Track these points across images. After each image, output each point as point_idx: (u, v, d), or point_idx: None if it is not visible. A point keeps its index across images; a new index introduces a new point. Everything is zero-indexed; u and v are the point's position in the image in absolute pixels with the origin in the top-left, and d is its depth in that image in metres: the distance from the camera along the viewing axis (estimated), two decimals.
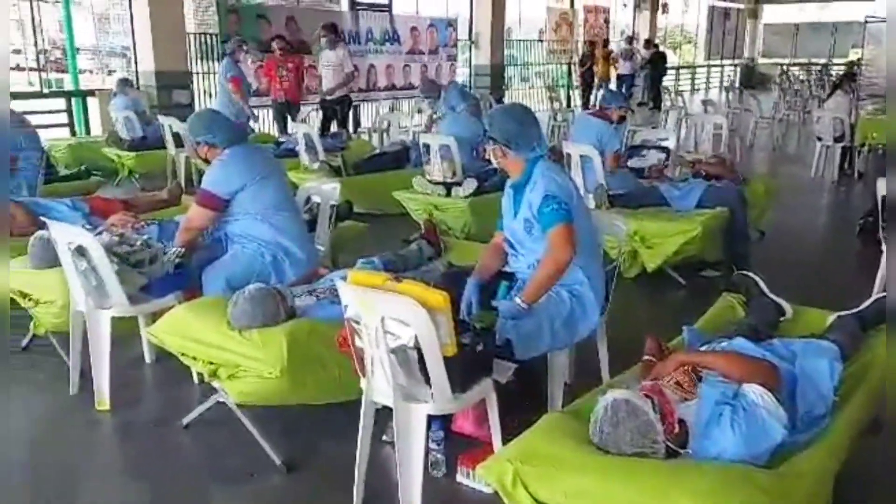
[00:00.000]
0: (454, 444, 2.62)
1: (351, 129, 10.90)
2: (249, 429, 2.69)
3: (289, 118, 8.64)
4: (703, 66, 23.35)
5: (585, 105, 15.24)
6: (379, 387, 2.29)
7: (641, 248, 4.58)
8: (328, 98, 8.63)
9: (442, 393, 2.20)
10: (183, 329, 2.72)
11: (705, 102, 11.43)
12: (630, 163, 5.66)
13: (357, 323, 2.25)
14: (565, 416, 2.14)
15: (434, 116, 7.34)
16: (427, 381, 2.19)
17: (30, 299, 3.31)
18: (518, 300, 2.59)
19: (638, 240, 4.53)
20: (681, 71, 21.37)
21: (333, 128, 8.85)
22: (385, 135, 9.07)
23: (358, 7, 11.75)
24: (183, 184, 6.91)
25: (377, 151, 7.48)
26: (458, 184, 5.54)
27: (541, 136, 2.82)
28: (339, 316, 2.41)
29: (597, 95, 15.16)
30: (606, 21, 18.21)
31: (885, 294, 2.97)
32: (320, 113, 9.01)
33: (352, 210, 4.74)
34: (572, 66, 17.30)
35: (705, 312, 3.05)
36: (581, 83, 15.64)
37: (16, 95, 5.31)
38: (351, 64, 8.67)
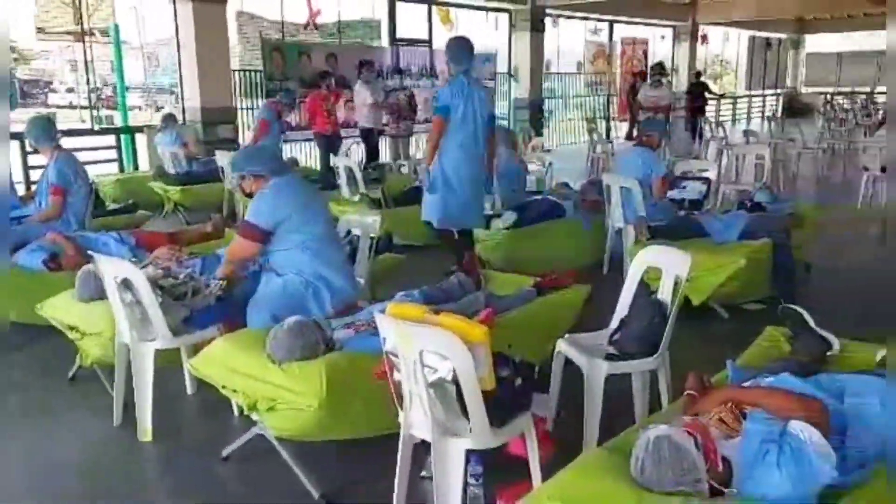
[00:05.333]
0: (493, 479, 2.59)
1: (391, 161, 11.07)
2: (288, 461, 2.70)
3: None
4: (743, 97, 23.12)
5: (630, 136, 15.25)
6: (417, 421, 2.28)
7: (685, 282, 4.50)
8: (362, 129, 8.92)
9: (480, 427, 2.19)
10: (224, 361, 2.76)
11: (747, 133, 11.29)
12: (670, 194, 5.62)
13: (395, 356, 2.26)
14: (606, 453, 2.10)
15: None
16: (465, 415, 2.18)
17: (77, 331, 3.40)
18: None
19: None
20: (721, 101, 21.19)
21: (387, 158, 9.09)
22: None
23: (398, 43, 11.98)
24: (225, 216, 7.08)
25: (417, 184, 7.54)
26: (498, 216, 5.56)
27: None
28: (378, 348, 2.43)
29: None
30: (644, 53, 18.22)
31: None
32: (362, 146, 9.19)
33: (391, 242, 4.78)
34: (611, 98, 17.32)
35: (749, 347, 2.99)
36: (628, 114, 15.67)
37: (68, 133, 5.61)
38: (380, 97, 8.90)
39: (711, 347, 4.11)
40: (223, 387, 2.74)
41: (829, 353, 2.83)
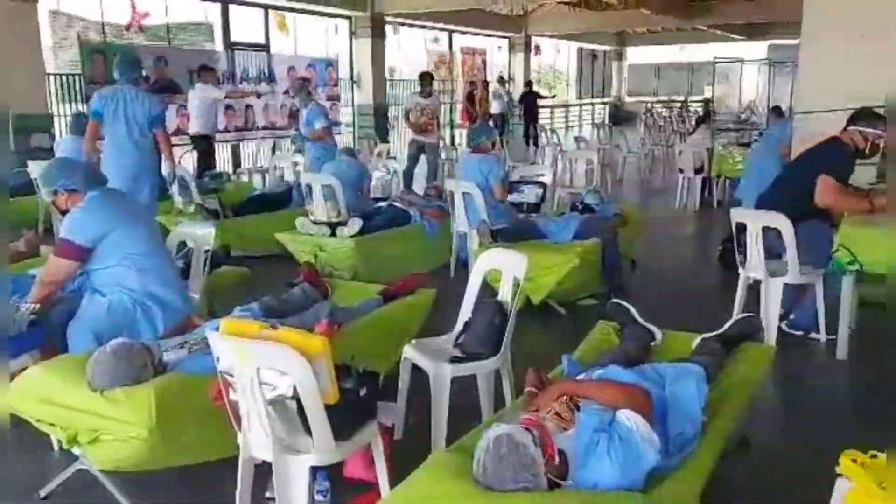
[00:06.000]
0: (344, 491, 2.54)
1: (230, 169, 10.68)
2: (116, 496, 2.50)
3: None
4: (575, 105, 24.57)
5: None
6: (257, 441, 2.18)
7: (524, 282, 4.67)
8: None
9: (324, 442, 2.13)
10: (38, 391, 2.50)
11: (578, 139, 11.99)
12: (510, 198, 5.84)
13: (231, 375, 2.15)
14: (451, 455, 2.12)
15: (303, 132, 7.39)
16: (308, 431, 2.12)
17: None
18: None
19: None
20: (555, 109, 22.37)
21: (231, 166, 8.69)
22: (268, 175, 8.92)
23: (234, 47, 11.55)
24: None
25: (257, 192, 7.32)
26: (343, 223, 5.49)
27: None
28: (213, 368, 2.30)
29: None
30: (483, 62, 18.85)
31: (744, 315, 3.19)
32: (195, 153, 8.77)
33: (229, 255, 4.58)
34: (454, 106, 17.75)
35: (583, 341, 3.16)
36: (468, 121, 16.10)
37: None
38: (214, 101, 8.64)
39: (551, 343, 4.32)
40: (38, 420, 2.49)
41: (652, 344, 3.04)
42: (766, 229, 4.06)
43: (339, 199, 5.60)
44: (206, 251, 3.80)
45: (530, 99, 16.57)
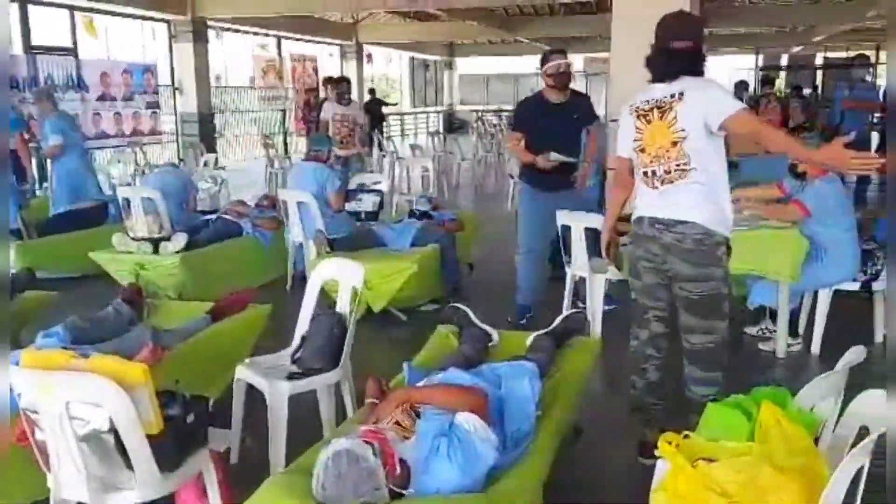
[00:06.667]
0: None
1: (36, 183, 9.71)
2: None
3: None
4: (410, 113, 24.90)
5: None
6: (69, 481, 1.97)
7: (364, 290, 4.64)
8: None
9: (148, 476, 1.97)
10: None
11: (413, 147, 12.15)
12: (348, 206, 5.77)
13: (35, 412, 1.93)
14: (288, 476, 2.03)
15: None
16: (129, 465, 1.94)
17: None
18: None
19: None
20: (391, 117, 22.54)
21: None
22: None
23: (35, 51, 10.51)
24: None
25: (67, 208, 6.68)
26: (167, 238, 5.15)
27: None
28: (14, 406, 2.04)
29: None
30: (315, 70, 18.58)
31: (571, 311, 3.37)
32: None
33: (34, 278, 4.13)
34: (286, 114, 17.34)
35: (424, 346, 3.17)
36: (305, 129, 15.81)
37: None
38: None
39: (393, 351, 4.32)
40: None
41: (490, 345, 3.12)
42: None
43: (162, 213, 5.23)
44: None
45: (374, 107, 16.57)
